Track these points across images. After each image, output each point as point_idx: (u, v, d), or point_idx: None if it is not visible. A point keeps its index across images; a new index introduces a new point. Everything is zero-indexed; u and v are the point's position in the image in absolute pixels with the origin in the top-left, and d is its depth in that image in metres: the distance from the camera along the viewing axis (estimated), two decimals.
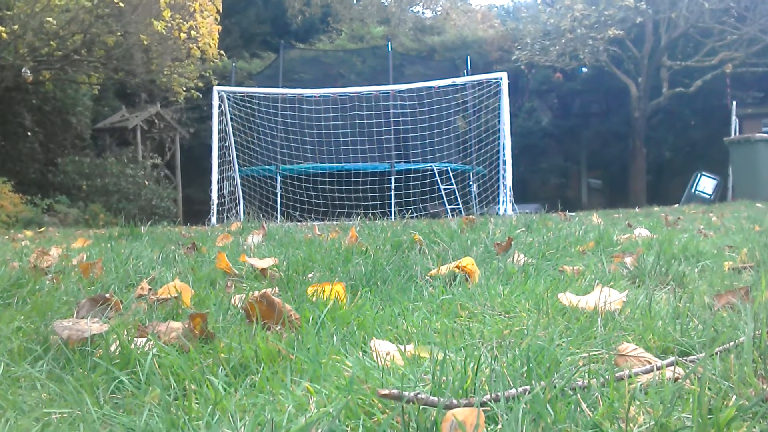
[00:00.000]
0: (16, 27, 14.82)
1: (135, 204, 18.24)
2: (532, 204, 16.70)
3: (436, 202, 16.39)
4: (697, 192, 18.27)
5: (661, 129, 24.85)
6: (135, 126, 21.20)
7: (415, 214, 9.46)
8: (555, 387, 1.14)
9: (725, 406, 1.10)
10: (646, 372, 1.30)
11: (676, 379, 1.27)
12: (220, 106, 15.07)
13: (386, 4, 31.49)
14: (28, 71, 16.19)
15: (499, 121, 15.09)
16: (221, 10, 18.68)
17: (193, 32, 16.95)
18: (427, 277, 2.56)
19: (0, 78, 15.89)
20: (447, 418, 1.07)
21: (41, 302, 2.21)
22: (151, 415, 1.21)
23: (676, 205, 13.80)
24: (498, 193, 14.81)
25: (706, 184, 18.50)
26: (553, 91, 26.78)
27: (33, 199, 15.70)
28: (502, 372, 1.26)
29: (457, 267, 2.56)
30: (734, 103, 20.06)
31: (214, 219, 13.52)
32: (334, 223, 7.24)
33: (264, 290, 1.98)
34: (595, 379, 1.21)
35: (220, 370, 1.47)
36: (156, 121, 21.90)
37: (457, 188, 16.70)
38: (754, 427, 1.07)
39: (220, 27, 18.54)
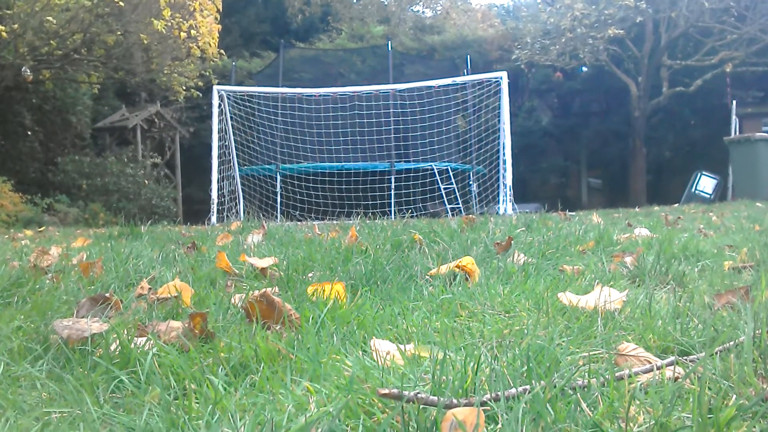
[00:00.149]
0: (16, 26, 14.82)
1: (135, 203, 18.24)
2: (532, 203, 16.70)
3: (436, 201, 16.38)
4: (697, 191, 18.27)
5: (661, 128, 24.85)
6: (135, 125, 21.20)
7: (415, 214, 9.47)
8: (555, 386, 1.14)
9: (725, 405, 1.10)
10: (646, 371, 1.30)
11: (676, 379, 1.27)
12: (220, 105, 15.07)
13: (386, 3, 31.49)
14: (28, 70, 16.19)
15: (499, 121, 15.09)
16: (221, 10, 18.67)
17: (193, 31, 16.95)
18: (427, 277, 2.56)
19: (0, 77, 15.88)
20: (447, 418, 1.07)
21: (41, 301, 2.21)
22: (151, 415, 1.21)
23: (676, 205, 13.80)
24: (498, 193, 14.81)
25: (706, 183, 18.50)
26: (553, 90, 26.77)
27: (33, 199, 15.70)
28: (502, 371, 1.26)
29: (457, 266, 2.56)
30: (734, 102, 20.06)
31: (214, 218, 13.52)
32: (334, 222, 7.24)
33: (264, 290, 1.98)
34: (595, 379, 1.21)
35: (220, 370, 1.47)
36: (156, 120, 21.90)
37: (457, 188, 16.70)
38: (754, 427, 1.07)
39: (220, 26, 18.53)
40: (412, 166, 16.75)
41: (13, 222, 13.76)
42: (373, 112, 16.54)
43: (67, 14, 15.75)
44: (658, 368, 1.29)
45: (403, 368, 1.36)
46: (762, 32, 21.07)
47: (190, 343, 1.61)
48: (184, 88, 18.65)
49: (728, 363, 1.30)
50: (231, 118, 15.74)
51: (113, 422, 1.23)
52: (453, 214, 13.55)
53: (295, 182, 16.11)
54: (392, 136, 17.01)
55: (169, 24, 16.13)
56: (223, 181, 15.01)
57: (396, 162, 16.85)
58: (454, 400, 1.12)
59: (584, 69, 25.06)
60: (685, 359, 1.43)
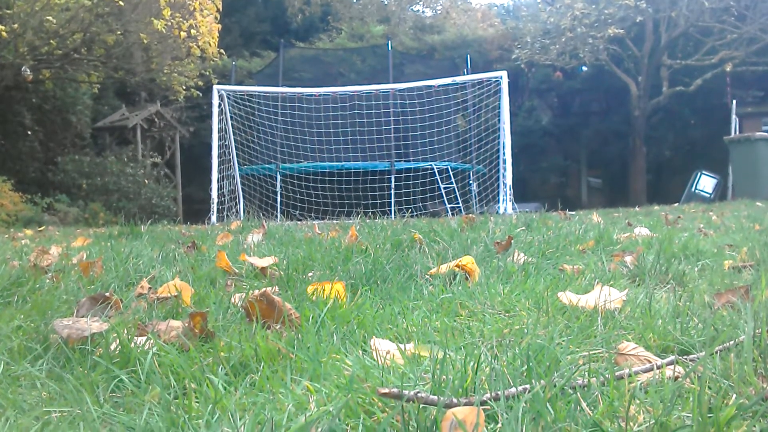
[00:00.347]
0: (15, 26, 14.82)
1: (135, 203, 18.24)
2: (532, 203, 16.69)
3: (436, 200, 16.39)
4: (697, 191, 18.27)
5: (661, 128, 24.84)
6: (135, 125, 21.19)
7: (415, 213, 9.47)
8: (555, 386, 1.14)
9: (725, 404, 1.10)
10: (646, 371, 1.30)
11: (676, 378, 1.27)
12: (219, 104, 15.07)
13: (386, 2, 31.48)
14: (28, 70, 16.19)
15: (499, 120, 15.09)
16: (221, 9, 18.67)
17: (192, 31, 16.95)
18: (427, 276, 2.56)
19: (0, 76, 15.88)
20: (447, 417, 1.07)
21: (41, 301, 2.21)
22: (151, 414, 1.21)
23: (676, 204, 13.80)
24: (498, 192, 14.81)
25: (706, 182, 18.49)
26: (553, 90, 26.76)
27: (33, 198, 15.70)
28: (502, 371, 1.26)
29: (457, 266, 2.56)
30: (734, 102, 20.05)
31: (214, 218, 13.52)
32: (334, 221, 7.24)
33: (264, 289, 1.98)
34: (595, 378, 1.21)
35: (220, 369, 1.47)
36: (156, 119, 21.90)
37: (457, 187, 16.69)
38: (754, 426, 1.07)
39: (219, 26, 18.53)
40: (412, 166, 16.75)
41: (13, 221, 13.77)
42: (373, 111, 16.54)
43: (67, 14, 15.75)
44: (658, 367, 1.29)
45: (403, 367, 1.36)
46: (762, 32, 21.07)
47: (190, 342, 1.61)
48: (184, 87, 18.65)
49: (728, 362, 1.30)
50: (231, 117, 15.74)
51: (113, 421, 1.23)
52: (453, 214, 13.55)
53: (295, 182, 16.11)
54: (392, 135, 17.01)
55: (169, 23, 16.13)
56: (223, 181, 15.01)
57: (396, 161, 16.85)
58: (454, 400, 1.12)
59: (584, 68, 25.06)
60: (685, 358, 1.43)
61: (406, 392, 1.09)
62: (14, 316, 2.02)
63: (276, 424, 1.10)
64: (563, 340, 1.58)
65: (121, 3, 15.12)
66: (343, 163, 16.89)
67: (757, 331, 1.41)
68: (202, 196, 17.99)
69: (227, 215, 14.27)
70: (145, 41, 16.35)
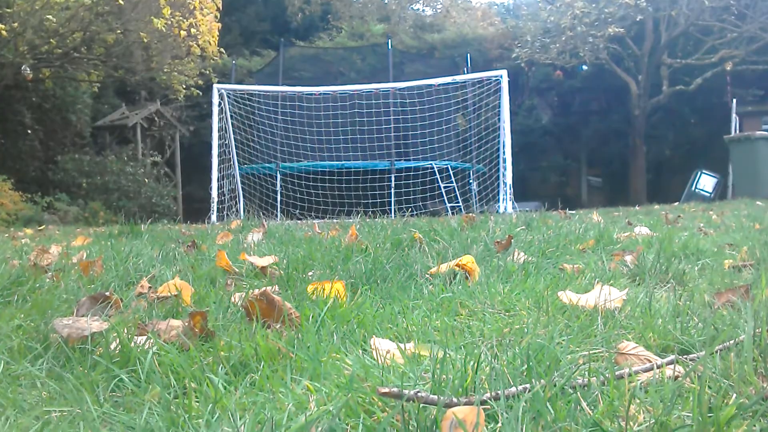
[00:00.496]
0: (15, 24, 14.81)
1: (135, 202, 18.24)
2: (532, 202, 16.67)
3: (436, 200, 16.38)
4: (697, 190, 18.27)
5: (661, 127, 24.83)
6: (135, 124, 21.19)
7: (415, 212, 9.47)
8: (555, 385, 1.14)
9: (725, 404, 1.10)
10: (646, 370, 1.30)
11: (676, 378, 1.27)
12: (220, 103, 15.07)
13: (386, 1, 31.45)
14: (28, 69, 16.18)
15: (499, 119, 15.09)
16: (221, 8, 18.65)
17: (193, 30, 16.94)
18: (427, 276, 2.56)
19: (0, 76, 15.88)
20: (447, 417, 1.07)
21: (41, 300, 2.21)
22: (151, 414, 1.21)
23: (676, 203, 13.80)
24: (498, 191, 14.81)
25: (706, 182, 18.49)
26: (553, 89, 26.75)
27: (33, 197, 15.70)
28: (502, 370, 1.26)
29: (457, 265, 2.56)
30: (734, 101, 20.04)
31: (214, 217, 13.52)
32: (334, 221, 7.24)
33: (264, 288, 1.98)
34: (595, 378, 1.21)
35: (220, 369, 1.47)
36: (156, 118, 21.89)
37: (457, 186, 16.69)
38: (754, 426, 1.07)
39: (220, 25, 18.52)
40: (412, 165, 16.75)
41: (13, 221, 13.77)
42: (373, 110, 16.53)
43: (66, 13, 15.74)
44: (658, 367, 1.29)
45: (403, 367, 1.36)
46: (762, 30, 21.06)
47: (190, 341, 1.61)
48: (184, 86, 18.64)
49: (728, 362, 1.30)
50: (231, 116, 15.74)
51: (113, 421, 1.23)
52: (453, 213, 13.55)
53: (295, 181, 16.11)
54: (392, 134, 17.01)
55: (169, 22, 16.11)
56: (223, 180, 15.02)
57: (396, 160, 16.85)
58: (454, 399, 1.12)
59: (584, 67, 25.04)
60: (686, 358, 1.43)
61: (406, 392, 1.09)
62: (14, 315, 2.02)
63: (276, 423, 1.10)
64: (563, 340, 1.58)
65: (120, 2, 15.11)
66: (343, 162, 16.89)
67: (757, 330, 1.41)
68: (202, 195, 17.99)
69: (227, 214, 14.27)
70: (145, 40, 16.34)
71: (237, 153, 16.00)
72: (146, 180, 19.36)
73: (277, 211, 15.45)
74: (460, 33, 27.26)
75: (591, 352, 1.50)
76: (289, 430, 1.09)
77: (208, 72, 19.20)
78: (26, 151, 18.53)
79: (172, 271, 2.87)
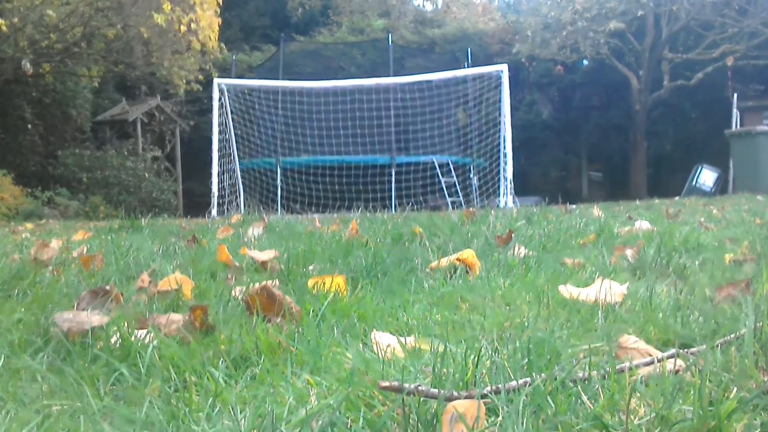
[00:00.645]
0: (15, 20, 14.79)
1: (135, 196, 18.24)
2: (533, 196, 16.70)
3: (437, 194, 16.40)
4: (697, 185, 18.27)
5: (661, 122, 24.81)
6: (135, 118, 21.18)
7: (415, 207, 9.47)
8: (555, 379, 1.14)
9: (726, 398, 1.10)
10: (646, 364, 1.30)
11: (676, 372, 1.27)
12: (220, 98, 15.07)
13: None
14: (28, 64, 16.16)
15: (499, 114, 15.09)
16: (221, 3, 18.62)
17: (193, 25, 16.91)
18: (427, 270, 2.56)
19: (0, 70, 15.87)
20: (448, 410, 1.07)
21: (42, 294, 2.21)
22: (151, 407, 1.21)
23: (676, 198, 13.80)
24: (498, 186, 14.81)
25: (706, 176, 18.49)
26: (553, 83, 26.73)
27: (33, 192, 15.70)
28: (502, 364, 1.26)
29: (458, 259, 2.56)
30: (735, 95, 20.02)
31: (214, 211, 13.53)
32: (335, 215, 7.24)
33: (264, 282, 1.98)
34: (595, 372, 1.21)
35: (220, 362, 1.46)
36: (156, 113, 21.88)
37: (458, 181, 16.70)
38: (755, 419, 1.07)
39: (220, 20, 18.48)
40: (413, 160, 16.75)
41: (14, 215, 13.77)
42: (374, 105, 16.53)
43: (67, 8, 15.73)
44: (659, 361, 1.29)
45: (404, 361, 1.36)
46: (763, 25, 21.03)
47: (191, 335, 1.61)
48: (185, 81, 18.62)
49: (729, 355, 1.30)
50: (231, 111, 15.74)
51: (114, 414, 1.23)
52: (453, 207, 13.55)
53: (296, 175, 16.12)
54: (393, 129, 17.00)
55: (170, 17, 16.09)
56: (223, 174, 15.02)
57: (396, 155, 16.85)
58: (455, 393, 1.12)
59: (585, 62, 25.02)
60: (686, 352, 1.43)
61: (406, 385, 1.09)
62: (15, 309, 2.02)
63: (276, 417, 1.10)
64: (564, 334, 1.58)
65: None
66: (344, 156, 16.89)
67: (757, 324, 1.41)
68: (202, 189, 17.99)
69: (227, 209, 14.28)
70: (146, 35, 16.33)
71: (237, 148, 16.01)
72: (146, 175, 19.35)
73: (277, 205, 15.46)
74: (461, 28, 27.22)
75: (592, 346, 1.50)
76: (290, 423, 1.09)
77: (208, 67, 19.18)
78: (26, 146, 18.52)
79: (172, 266, 2.87)
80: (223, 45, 19.02)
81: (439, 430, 1.06)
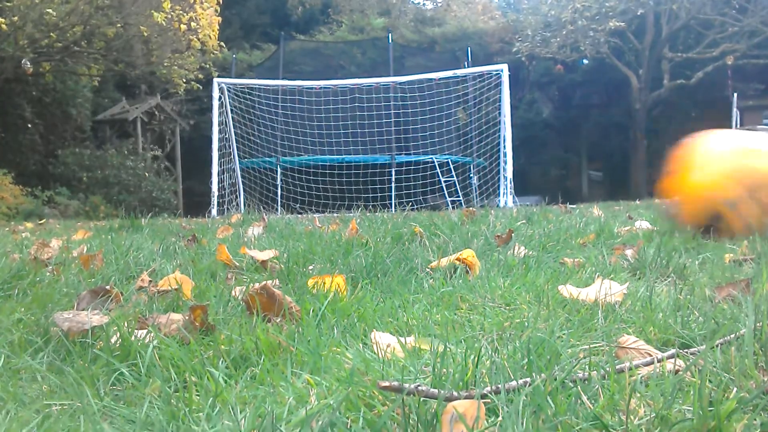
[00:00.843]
0: (15, 18, 14.80)
1: (135, 196, 18.25)
2: (533, 196, 16.69)
3: (437, 194, 16.39)
4: None
5: (662, 121, 24.82)
6: (135, 118, 21.19)
7: (415, 206, 9.47)
8: (555, 379, 1.14)
9: (726, 398, 1.10)
10: (646, 364, 1.30)
11: (676, 372, 1.27)
12: (220, 97, 15.07)
13: None
14: (28, 63, 16.16)
15: (499, 113, 15.09)
16: (221, 1, 18.64)
17: (193, 24, 16.92)
18: (427, 270, 2.56)
19: (0, 69, 15.86)
20: (447, 410, 1.07)
21: (42, 294, 2.21)
22: (151, 407, 1.21)
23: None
24: (498, 185, 14.81)
25: None
26: (553, 82, 26.74)
27: (33, 191, 15.70)
28: (502, 364, 1.26)
29: (458, 259, 2.56)
30: (735, 95, 20.02)
31: (214, 211, 13.53)
32: (335, 215, 7.24)
33: (264, 282, 1.98)
34: (595, 372, 1.21)
35: (220, 362, 1.46)
36: (156, 112, 21.89)
37: (458, 180, 16.70)
38: (755, 420, 1.07)
39: (220, 18, 18.50)
40: (413, 159, 16.74)
41: (14, 214, 13.77)
42: (374, 104, 16.52)
43: (67, 6, 15.73)
44: (659, 361, 1.29)
45: (404, 361, 1.36)
46: (763, 24, 21.03)
47: (191, 335, 1.61)
48: (185, 80, 18.63)
49: (729, 355, 1.30)
50: (231, 110, 15.73)
51: (114, 414, 1.23)
52: (453, 207, 13.55)
53: (296, 175, 16.11)
54: (393, 128, 17.00)
55: (169, 16, 16.10)
56: (223, 174, 15.02)
57: (396, 154, 16.84)
58: (455, 393, 1.12)
59: (585, 61, 25.02)
60: (686, 352, 1.43)
61: (406, 385, 1.09)
62: (15, 309, 2.02)
63: (276, 417, 1.10)
64: (564, 334, 1.58)
65: None
66: (344, 156, 16.89)
67: (757, 324, 1.41)
68: (202, 189, 18.00)
69: (227, 208, 14.28)
70: (146, 34, 16.33)
71: (237, 147, 16.01)
72: (146, 174, 19.36)
73: (277, 205, 15.45)
74: (461, 27, 27.24)
75: (591, 346, 1.50)
76: (290, 423, 1.09)
77: (208, 66, 19.18)
78: (26, 145, 18.53)
79: (172, 265, 2.87)
80: (222, 44, 19.04)
81: (439, 430, 1.06)
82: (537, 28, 23.37)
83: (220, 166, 14.79)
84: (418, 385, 1.10)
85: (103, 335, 1.64)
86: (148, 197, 18.61)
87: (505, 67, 15.26)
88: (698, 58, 22.26)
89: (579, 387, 1.14)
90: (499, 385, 1.14)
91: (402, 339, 1.50)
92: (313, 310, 1.84)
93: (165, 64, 17.80)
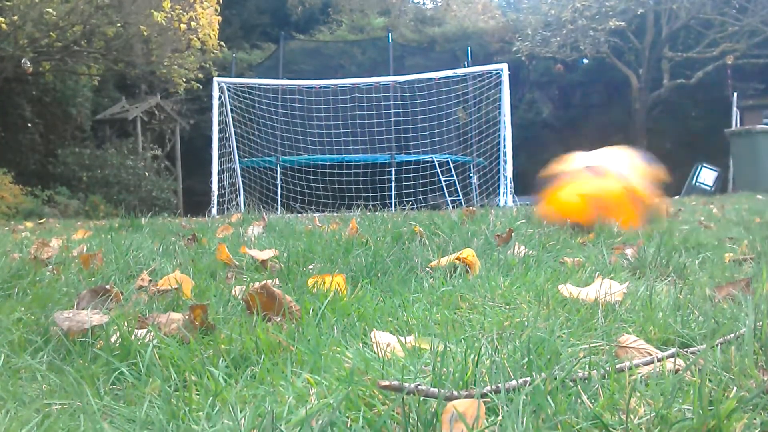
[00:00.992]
0: (15, 18, 14.79)
1: (135, 195, 18.24)
2: (533, 195, 16.65)
3: (437, 193, 16.38)
4: (697, 183, 18.25)
5: (661, 120, 24.81)
6: (135, 117, 21.18)
7: (415, 206, 9.46)
8: (555, 378, 1.14)
9: (726, 397, 1.10)
10: (646, 363, 1.30)
11: (676, 371, 1.27)
12: (220, 97, 15.07)
13: None
14: (28, 62, 16.16)
15: (499, 113, 15.08)
16: (221, 1, 18.62)
17: (193, 23, 16.91)
18: (427, 269, 2.56)
19: (0, 69, 15.86)
20: (447, 410, 1.07)
21: (42, 293, 2.21)
22: (151, 406, 1.21)
23: (676, 197, 13.79)
24: (498, 185, 14.81)
25: (706, 175, 18.48)
26: (553, 82, 26.73)
27: (33, 191, 15.70)
28: (502, 363, 1.26)
29: (458, 258, 2.56)
30: (735, 94, 20.01)
31: (214, 210, 13.53)
32: (335, 214, 7.24)
33: (264, 281, 1.98)
34: (595, 371, 1.21)
35: (220, 362, 1.46)
36: (156, 112, 21.88)
37: (458, 180, 16.69)
38: (755, 419, 1.07)
39: (220, 18, 18.48)
40: (413, 158, 16.74)
41: (14, 214, 13.77)
42: (374, 104, 16.51)
43: (66, 6, 15.72)
44: (659, 360, 1.29)
45: (404, 360, 1.36)
46: (763, 24, 21.03)
47: (191, 335, 1.61)
48: (185, 80, 18.62)
49: (729, 355, 1.30)
50: (231, 110, 15.73)
51: (114, 414, 1.23)
52: (453, 206, 13.54)
53: (296, 174, 16.10)
54: (393, 128, 16.99)
55: (169, 15, 16.09)
56: (223, 173, 15.02)
57: (396, 154, 16.84)
58: (455, 392, 1.12)
59: (585, 61, 25.02)
60: (686, 351, 1.43)
61: (406, 385, 1.09)
62: (15, 308, 2.02)
63: (276, 416, 1.10)
64: (564, 333, 1.58)
65: None
66: (344, 155, 16.88)
67: (757, 323, 1.41)
68: (202, 188, 17.98)
69: (227, 208, 14.28)
70: (145, 33, 16.32)
71: (237, 146, 16.01)
72: (146, 173, 19.36)
73: (277, 204, 15.45)
74: (461, 26, 27.23)
75: (591, 345, 1.50)
76: (290, 423, 1.09)
77: (208, 65, 19.17)
78: (26, 145, 18.52)
79: (172, 265, 2.87)
80: (222, 43, 19.02)
81: (439, 429, 1.06)
82: (537, 28, 23.36)
83: (220, 166, 14.79)
84: (418, 385, 1.10)
85: (103, 334, 1.64)
86: (148, 197, 18.60)
87: (505, 66, 15.26)
88: (698, 58, 22.25)
89: (579, 386, 1.14)
90: (499, 385, 1.14)
91: (402, 338, 1.50)
92: (313, 310, 1.84)
93: (165, 64, 17.79)
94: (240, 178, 15.97)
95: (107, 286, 2.12)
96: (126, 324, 1.70)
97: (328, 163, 16.69)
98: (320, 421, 1.07)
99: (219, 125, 14.91)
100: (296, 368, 1.40)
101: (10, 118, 18.08)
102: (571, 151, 5.24)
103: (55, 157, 18.53)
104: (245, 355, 1.53)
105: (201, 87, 19.01)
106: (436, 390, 1.10)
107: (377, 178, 15.87)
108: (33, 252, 3.27)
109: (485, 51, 24.66)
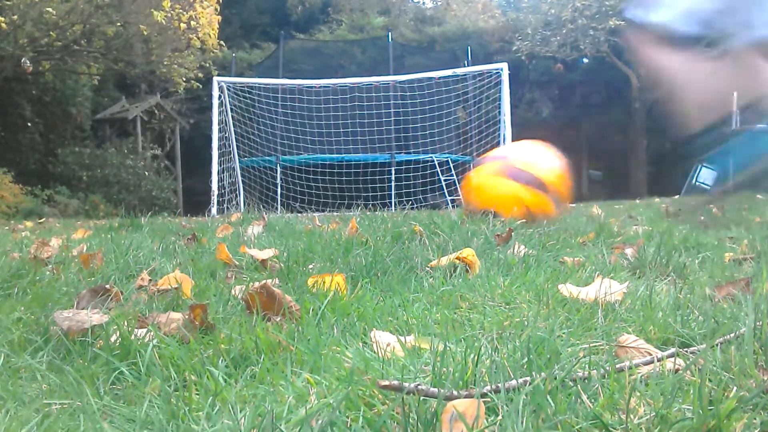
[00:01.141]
0: (15, 17, 14.79)
1: (135, 195, 18.25)
2: None
3: (437, 193, 16.38)
4: (697, 183, 18.25)
5: (661, 120, 24.81)
6: (135, 117, 21.19)
7: (415, 205, 9.46)
8: (555, 378, 1.13)
9: (726, 397, 1.10)
10: (646, 363, 1.30)
11: (676, 371, 1.27)
12: (220, 96, 15.06)
13: None
14: (28, 62, 16.16)
15: (499, 112, 15.08)
16: (221, 0, 18.63)
17: (193, 22, 16.92)
18: (427, 269, 2.56)
19: (0, 68, 15.86)
20: (447, 409, 1.07)
21: (41, 293, 2.21)
22: (151, 406, 1.21)
23: (676, 196, 13.78)
24: None
25: (706, 175, 18.47)
26: (553, 81, 26.73)
27: (33, 190, 15.71)
28: (502, 363, 1.26)
29: (458, 258, 2.56)
30: (735, 94, 19.99)
31: (214, 210, 13.53)
32: (335, 214, 7.24)
33: (264, 281, 1.97)
34: (595, 371, 1.21)
35: (220, 361, 1.46)
36: (156, 111, 21.89)
37: (458, 179, 16.67)
38: (755, 419, 1.07)
39: (220, 17, 18.49)
40: (413, 158, 16.74)
41: (14, 213, 13.77)
42: (374, 103, 16.51)
43: (66, 5, 15.72)
44: (659, 360, 1.29)
45: (404, 360, 1.36)
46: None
47: (191, 334, 1.60)
48: (184, 79, 18.63)
49: (729, 355, 1.29)
50: (231, 109, 15.73)
51: (113, 413, 1.23)
52: (453, 206, 13.54)
53: (296, 174, 16.11)
54: (392, 127, 17.00)
55: (169, 15, 16.10)
56: (223, 173, 15.01)
57: (396, 153, 16.84)
58: (455, 392, 1.12)
59: (585, 60, 25.03)
60: (686, 351, 1.43)
61: (406, 384, 1.09)
62: (14, 308, 2.02)
63: (276, 416, 1.10)
64: (564, 333, 1.57)
65: None
66: (344, 155, 16.89)
67: (757, 323, 1.41)
68: (202, 188, 17.98)
69: (227, 207, 14.27)
70: (145, 33, 16.32)
71: (237, 146, 16.00)
72: (146, 173, 19.36)
73: (277, 203, 15.45)
74: (461, 26, 27.24)
75: (591, 344, 1.50)
76: (290, 422, 1.09)
77: (208, 65, 19.18)
78: (26, 144, 18.53)
79: (172, 264, 2.87)
80: (222, 43, 19.03)
81: (438, 429, 1.06)
82: (537, 27, 23.38)
83: (220, 165, 14.79)
84: (418, 384, 1.10)
85: (103, 334, 1.64)
86: (147, 196, 18.61)
87: (505, 65, 15.25)
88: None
89: (579, 386, 1.14)
90: (499, 384, 1.14)
91: (402, 338, 1.50)
92: (312, 309, 1.84)
93: (165, 63, 17.80)
94: (240, 178, 15.97)
95: (107, 286, 2.12)
96: (126, 324, 1.70)
97: (328, 162, 16.69)
98: (320, 421, 1.07)
99: (219, 125, 14.90)
100: (296, 368, 1.40)
101: (10, 117, 18.08)
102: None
103: (55, 157, 18.54)
104: (245, 355, 1.53)
105: (201, 86, 19.01)
106: (435, 390, 1.10)
107: (377, 177, 15.87)
108: (33, 251, 3.26)
109: (485, 50, 24.68)
